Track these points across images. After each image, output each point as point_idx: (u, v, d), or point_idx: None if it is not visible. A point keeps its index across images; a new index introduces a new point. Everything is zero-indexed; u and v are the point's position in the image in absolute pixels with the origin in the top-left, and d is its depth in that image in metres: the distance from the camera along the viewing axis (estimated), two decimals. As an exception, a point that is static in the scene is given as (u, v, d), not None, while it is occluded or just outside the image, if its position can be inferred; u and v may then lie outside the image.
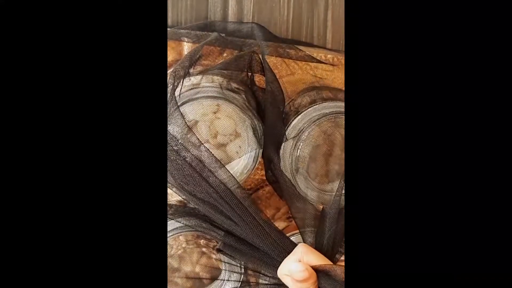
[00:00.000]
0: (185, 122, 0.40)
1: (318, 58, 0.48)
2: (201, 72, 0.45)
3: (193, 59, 0.44)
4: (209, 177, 0.41)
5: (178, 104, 0.42)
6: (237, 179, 0.44)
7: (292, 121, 0.45)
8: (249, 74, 0.45)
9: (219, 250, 0.44)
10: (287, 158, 0.44)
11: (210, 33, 0.48)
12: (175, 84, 0.41)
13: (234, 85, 0.44)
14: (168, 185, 0.43)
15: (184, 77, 0.42)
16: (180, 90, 0.42)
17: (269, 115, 0.44)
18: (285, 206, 0.49)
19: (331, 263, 0.40)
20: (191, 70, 0.44)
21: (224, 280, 0.47)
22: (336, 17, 0.50)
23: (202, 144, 0.41)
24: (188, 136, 0.41)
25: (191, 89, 0.43)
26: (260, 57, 0.45)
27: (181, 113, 0.40)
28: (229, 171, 0.41)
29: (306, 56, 0.47)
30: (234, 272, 0.46)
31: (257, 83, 0.46)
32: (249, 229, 0.41)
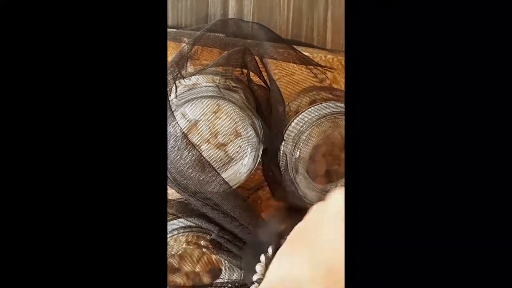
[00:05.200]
0: (179, 125, 0.41)
1: (318, 58, 0.48)
2: (198, 72, 0.45)
3: (180, 62, 0.44)
4: (207, 178, 0.41)
5: (177, 104, 0.42)
6: (238, 179, 0.44)
7: (292, 121, 0.45)
8: (244, 70, 0.45)
9: (212, 240, 0.44)
10: (287, 158, 0.44)
11: (209, 33, 0.48)
12: (169, 89, 0.42)
13: (231, 84, 0.44)
14: (168, 185, 0.43)
15: (175, 81, 0.42)
16: (176, 93, 0.42)
17: (270, 114, 0.44)
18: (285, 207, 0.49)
19: None
20: (187, 71, 0.44)
21: (224, 280, 0.47)
22: (336, 17, 0.50)
23: (196, 149, 0.41)
24: (188, 136, 0.41)
25: (191, 89, 0.43)
26: (256, 57, 0.45)
27: (176, 120, 0.40)
28: (221, 175, 0.42)
29: (305, 58, 0.47)
30: (234, 272, 0.47)
31: (256, 82, 0.46)
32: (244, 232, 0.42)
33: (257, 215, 0.44)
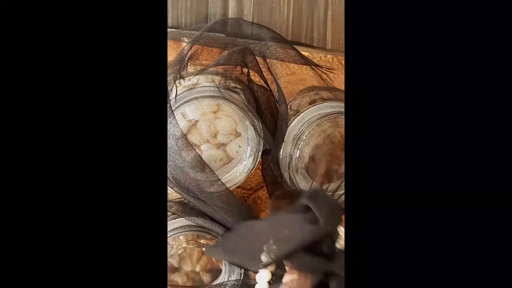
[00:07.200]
0: (179, 125, 0.40)
1: (317, 58, 0.48)
2: (199, 72, 0.45)
3: (182, 62, 0.44)
4: (206, 178, 0.41)
5: (177, 104, 0.42)
6: (237, 179, 0.45)
7: (292, 121, 0.45)
8: (244, 70, 0.45)
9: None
10: (287, 158, 0.44)
11: (209, 33, 0.48)
12: (170, 89, 0.42)
13: (232, 84, 0.44)
14: (168, 184, 0.43)
15: (175, 81, 0.43)
16: (176, 93, 0.42)
17: (271, 115, 0.44)
18: (285, 207, 0.49)
19: None
20: (187, 71, 0.44)
21: (224, 280, 0.47)
22: (336, 17, 0.50)
23: (194, 149, 0.41)
24: (187, 136, 0.41)
25: (191, 89, 0.43)
26: (257, 56, 0.45)
27: (176, 120, 0.40)
28: (218, 176, 0.42)
29: (305, 58, 0.47)
30: (234, 272, 0.46)
31: (256, 82, 0.46)
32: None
33: (255, 217, 0.44)
